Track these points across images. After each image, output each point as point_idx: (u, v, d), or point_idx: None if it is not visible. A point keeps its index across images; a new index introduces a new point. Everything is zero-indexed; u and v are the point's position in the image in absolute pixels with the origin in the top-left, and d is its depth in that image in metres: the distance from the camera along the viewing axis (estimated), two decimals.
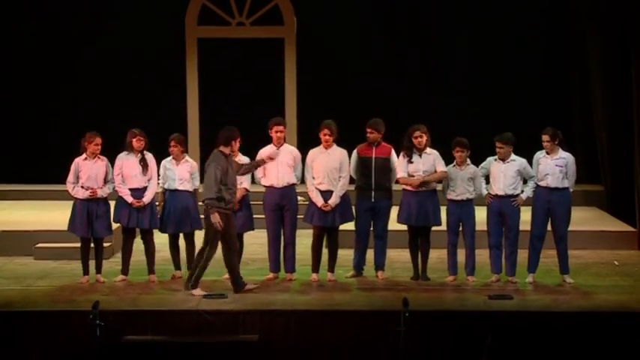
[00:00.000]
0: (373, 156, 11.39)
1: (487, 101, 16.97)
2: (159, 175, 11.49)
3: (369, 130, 11.43)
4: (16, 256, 12.79)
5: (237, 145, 10.92)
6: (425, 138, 11.33)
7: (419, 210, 11.28)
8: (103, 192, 11.22)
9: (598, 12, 15.35)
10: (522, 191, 11.26)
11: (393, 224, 11.62)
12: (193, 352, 9.67)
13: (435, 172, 11.30)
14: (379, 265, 11.56)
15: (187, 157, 11.62)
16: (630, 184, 14.34)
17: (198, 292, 10.61)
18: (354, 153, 11.49)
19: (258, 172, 11.46)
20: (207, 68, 17.41)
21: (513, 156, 11.27)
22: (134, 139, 11.36)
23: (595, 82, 15.71)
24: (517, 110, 16.64)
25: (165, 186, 11.48)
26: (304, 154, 11.55)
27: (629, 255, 13.19)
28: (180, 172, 11.44)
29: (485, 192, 11.31)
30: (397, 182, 11.47)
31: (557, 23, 17.18)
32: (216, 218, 10.52)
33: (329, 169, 11.29)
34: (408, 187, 11.31)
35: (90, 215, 11.18)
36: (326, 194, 11.29)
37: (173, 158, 11.47)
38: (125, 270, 11.46)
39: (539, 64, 17.30)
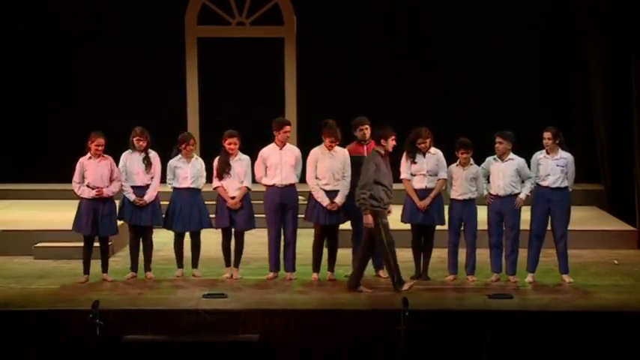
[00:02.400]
0: (365, 155, 11.39)
1: (487, 101, 16.98)
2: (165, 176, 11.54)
3: (363, 127, 11.39)
4: (16, 256, 12.78)
5: (390, 143, 10.88)
6: (428, 141, 11.34)
7: (425, 209, 11.27)
8: (109, 191, 11.23)
9: (598, 12, 15.35)
10: (521, 192, 11.26)
11: (394, 223, 11.61)
12: (193, 352, 9.67)
13: (437, 180, 11.37)
14: (379, 264, 11.56)
15: (196, 156, 11.65)
16: (630, 184, 14.34)
17: (407, 286, 10.71)
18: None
19: (259, 172, 11.48)
20: (207, 68, 17.42)
21: (512, 155, 11.27)
22: (134, 139, 11.40)
23: (595, 82, 15.71)
24: (517, 110, 16.64)
25: (175, 185, 11.50)
26: (304, 154, 11.56)
27: (629, 254, 13.19)
28: (192, 171, 11.47)
29: (485, 192, 11.31)
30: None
31: (557, 23, 17.19)
32: (368, 219, 10.62)
33: (334, 169, 11.30)
34: (415, 185, 11.34)
35: (96, 215, 11.19)
36: (331, 194, 11.29)
37: (183, 157, 11.49)
38: (134, 266, 11.52)
39: (539, 64, 17.30)
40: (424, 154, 11.35)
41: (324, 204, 11.25)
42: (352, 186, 11.32)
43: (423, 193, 11.29)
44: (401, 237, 11.79)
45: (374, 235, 10.74)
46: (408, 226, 11.54)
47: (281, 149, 11.44)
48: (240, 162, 11.49)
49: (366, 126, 11.42)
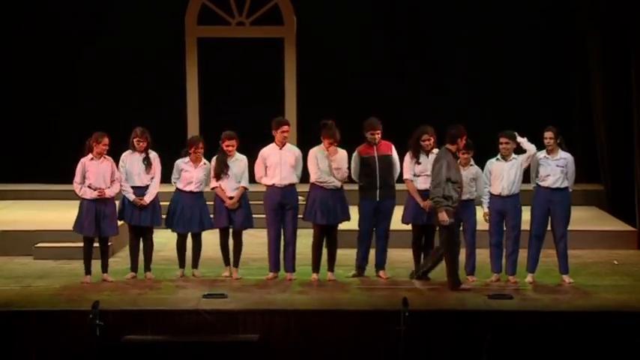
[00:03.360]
0: (376, 155, 11.40)
1: (487, 101, 16.97)
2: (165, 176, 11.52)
3: (375, 132, 11.37)
4: (16, 256, 12.78)
5: (463, 142, 10.96)
6: (432, 140, 11.35)
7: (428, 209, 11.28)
8: (110, 192, 11.24)
9: (598, 12, 15.35)
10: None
11: (394, 224, 11.62)
12: (193, 352, 9.67)
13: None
14: (381, 264, 11.57)
15: (204, 160, 11.64)
16: (630, 184, 14.34)
17: (418, 283, 10.82)
18: (355, 155, 11.49)
19: (259, 172, 11.48)
20: (207, 68, 17.41)
21: (514, 154, 11.27)
22: (134, 140, 11.41)
23: (595, 82, 15.71)
24: (517, 110, 16.62)
25: (179, 186, 11.49)
26: (305, 153, 11.56)
27: (629, 254, 13.19)
28: (198, 174, 11.47)
29: (485, 207, 11.25)
30: (404, 181, 11.50)
31: (557, 23, 17.17)
32: (443, 217, 10.67)
33: (333, 168, 11.32)
34: (417, 186, 11.35)
35: (97, 215, 11.19)
36: (330, 192, 11.32)
37: (191, 160, 11.48)
38: (134, 267, 11.53)
39: (539, 64, 17.29)
40: (427, 155, 11.35)
41: (339, 177, 11.27)
42: (366, 186, 11.36)
43: (427, 193, 11.27)
44: (399, 237, 11.82)
45: (446, 233, 10.77)
46: (406, 227, 11.53)
47: (281, 149, 11.45)
48: (237, 162, 11.50)
49: (378, 131, 11.41)
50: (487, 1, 17.07)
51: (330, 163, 11.32)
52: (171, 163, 11.60)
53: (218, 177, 11.45)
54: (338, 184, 11.33)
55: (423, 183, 11.32)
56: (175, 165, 11.53)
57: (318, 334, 9.86)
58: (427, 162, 11.31)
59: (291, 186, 11.46)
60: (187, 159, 11.52)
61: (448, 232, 10.81)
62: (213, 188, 11.50)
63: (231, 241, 11.60)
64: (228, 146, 11.45)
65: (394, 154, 11.52)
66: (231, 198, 11.42)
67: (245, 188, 11.49)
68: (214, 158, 11.53)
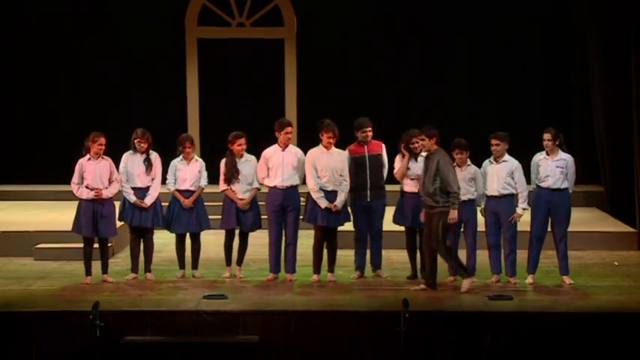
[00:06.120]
0: (366, 154, 11.41)
1: (487, 101, 16.97)
2: (165, 177, 11.53)
3: (366, 130, 11.38)
4: (16, 257, 12.78)
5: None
6: (420, 142, 11.34)
7: (415, 212, 11.28)
8: (108, 192, 11.23)
9: (598, 12, 15.35)
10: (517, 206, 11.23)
11: (393, 225, 11.62)
12: (193, 353, 9.68)
13: None
14: (377, 264, 11.57)
15: (196, 157, 11.65)
16: (630, 185, 14.34)
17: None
18: (346, 155, 11.49)
19: (261, 173, 11.47)
20: (207, 69, 17.41)
21: (507, 156, 11.25)
22: (136, 141, 11.41)
23: (595, 82, 15.71)
24: (517, 110, 16.64)
25: (176, 186, 11.48)
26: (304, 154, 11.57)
27: (629, 255, 13.18)
28: (192, 172, 11.47)
29: (483, 204, 11.26)
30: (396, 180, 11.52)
31: (557, 23, 17.17)
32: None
33: (333, 168, 11.30)
34: (406, 188, 11.34)
35: (95, 215, 11.18)
36: (330, 195, 11.30)
37: (184, 158, 11.48)
38: (135, 268, 11.52)
39: (539, 64, 17.29)
40: (416, 158, 11.34)
41: (323, 206, 11.25)
42: (356, 187, 11.36)
43: (416, 195, 11.26)
44: (398, 237, 11.82)
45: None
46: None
47: (283, 150, 11.45)
48: (247, 163, 11.50)
49: (370, 128, 11.42)
50: (487, 2, 17.06)
51: (329, 163, 11.27)
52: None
53: (229, 181, 11.44)
54: (330, 205, 11.25)
55: (412, 186, 11.32)
56: (171, 165, 11.50)
57: (319, 335, 9.86)
58: (416, 166, 11.31)
59: (293, 187, 11.45)
60: (181, 157, 11.52)
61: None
62: (222, 190, 11.49)
63: (235, 241, 11.61)
64: (239, 145, 11.43)
65: (384, 153, 11.52)
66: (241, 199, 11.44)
67: (258, 189, 11.50)
68: (223, 162, 11.51)
